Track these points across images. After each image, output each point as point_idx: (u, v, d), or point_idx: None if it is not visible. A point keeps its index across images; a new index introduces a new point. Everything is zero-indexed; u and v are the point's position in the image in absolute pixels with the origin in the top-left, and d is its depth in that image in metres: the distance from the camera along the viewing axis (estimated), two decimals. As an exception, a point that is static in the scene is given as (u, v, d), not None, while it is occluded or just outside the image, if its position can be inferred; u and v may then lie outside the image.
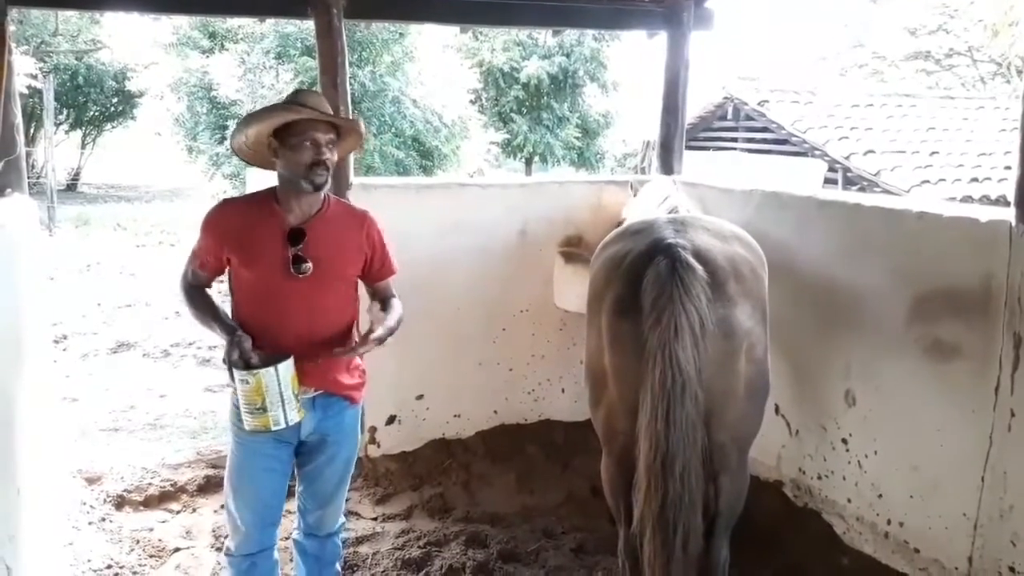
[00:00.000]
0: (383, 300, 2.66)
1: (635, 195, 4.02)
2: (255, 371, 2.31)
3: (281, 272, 2.43)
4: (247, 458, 2.54)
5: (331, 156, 2.44)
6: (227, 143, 2.81)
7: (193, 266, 2.56)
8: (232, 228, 2.48)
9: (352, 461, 2.73)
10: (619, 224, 4.05)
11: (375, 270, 2.64)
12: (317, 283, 2.46)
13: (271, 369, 2.32)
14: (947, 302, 2.87)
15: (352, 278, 2.60)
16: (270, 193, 2.52)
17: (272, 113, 2.41)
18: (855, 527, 3.33)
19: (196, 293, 2.57)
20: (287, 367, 2.35)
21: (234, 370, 2.34)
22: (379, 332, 2.46)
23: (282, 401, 2.34)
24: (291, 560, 2.88)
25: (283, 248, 2.44)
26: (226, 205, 2.57)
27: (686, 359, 2.30)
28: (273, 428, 2.35)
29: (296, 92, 2.50)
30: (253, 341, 2.39)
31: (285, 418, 2.36)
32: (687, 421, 2.29)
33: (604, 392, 2.66)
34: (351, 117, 2.57)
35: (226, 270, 2.54)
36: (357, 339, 2.56)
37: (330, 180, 2.49)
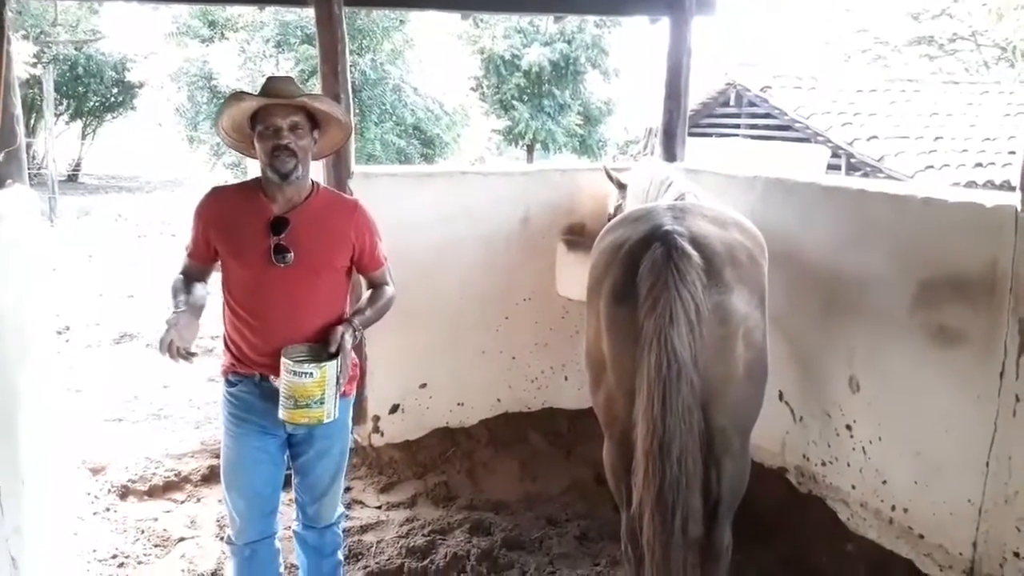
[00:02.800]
0: (374, 288, 2.67)
1: (614, 183, 3.98)
2: (324, 364, 2.31)
3: (264, 261, 2.42)
4: (236, 450, 2.56)
5: (295, 140, 2.38)
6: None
7: (185, 256, 2.56)
8: (219, 216, 2.49)
9: (346, 453, 2.73)
10: (608, 215, 4.03)
11: (363, 261, 2.61)
12: (300, 273, 2.44)
13: (335, 362, 2.33)
14: (952, 288, 2.85)
15: (340, 269, 2.57)
16: (258, 182, 2.51)
17: (223, 108, 2.42)
18: (859, 513, 3.33)
19: (181, 278, 2.53)
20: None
21: (298, 362, 2.30)
22: (355, 321, 2.50)
23: (335, 394, 2.36)
24: (294, 551, 2.89)
25: (266, 237, 2.42)
26: (215, 193, 2.57)
27: (681, 345, 2.31)
28: (325, 421, 2.36)
29: (267, 79, 2.46)
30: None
31: (335, 411, 2.38)
32: (683, 405, 2.31)
33: (603, 377, 2.67)
34: (321, 102, 2.47)
35: (217, 261, 2.54)
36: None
37: (302, 167, 2.42)
